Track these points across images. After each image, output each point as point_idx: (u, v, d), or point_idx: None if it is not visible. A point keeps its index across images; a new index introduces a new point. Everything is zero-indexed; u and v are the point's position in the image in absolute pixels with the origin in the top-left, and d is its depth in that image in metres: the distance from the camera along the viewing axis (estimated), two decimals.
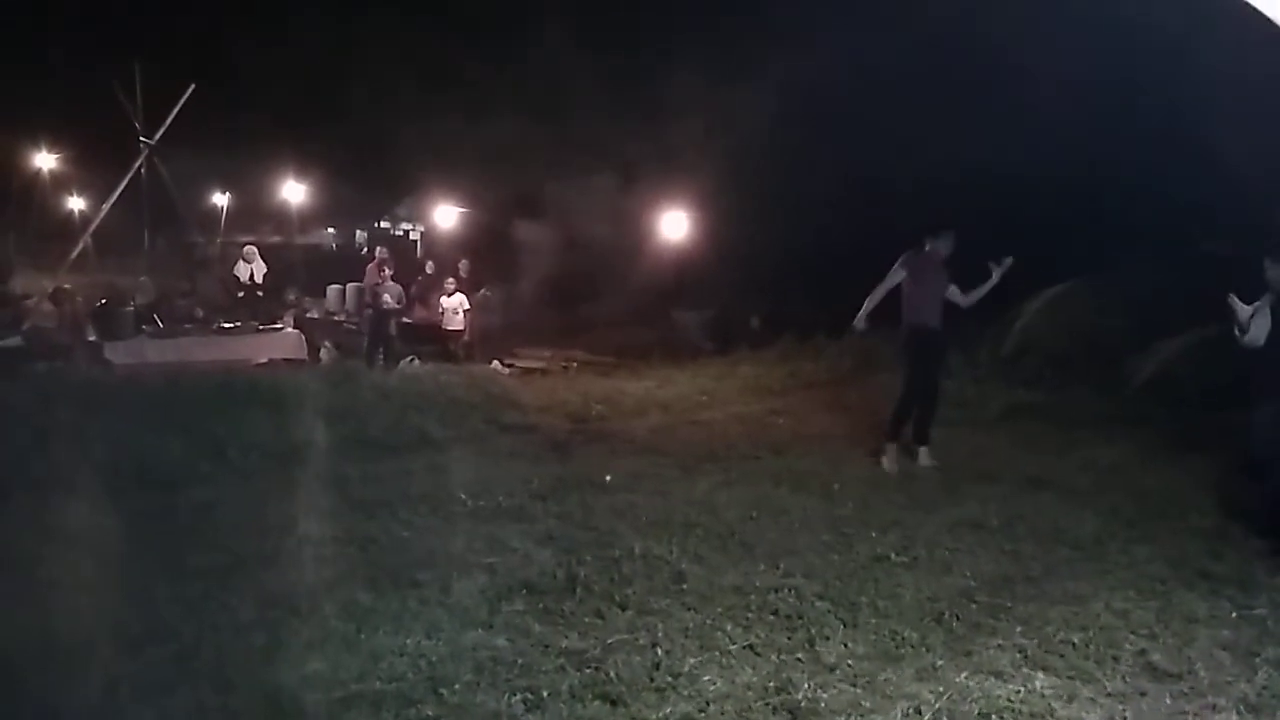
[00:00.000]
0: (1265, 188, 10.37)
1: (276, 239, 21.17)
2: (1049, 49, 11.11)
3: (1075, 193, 12.69)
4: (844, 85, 13.41)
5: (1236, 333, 6.03)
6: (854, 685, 3.87)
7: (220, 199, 23.66)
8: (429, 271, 15.52)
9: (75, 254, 16.61)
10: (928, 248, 7.91)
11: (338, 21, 18.43)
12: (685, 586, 4.93)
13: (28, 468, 6.71)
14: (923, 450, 7.90)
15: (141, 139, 16.71)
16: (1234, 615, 4.59)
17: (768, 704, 3.73)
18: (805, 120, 13.62)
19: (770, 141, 13.79)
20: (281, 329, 14.09)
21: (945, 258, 7.89)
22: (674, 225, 16.76)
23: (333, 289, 17.43)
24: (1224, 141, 10.32)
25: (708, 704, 3.72)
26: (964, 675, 3.94)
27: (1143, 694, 3.83)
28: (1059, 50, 11.09)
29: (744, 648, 4.20)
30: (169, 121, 16.57)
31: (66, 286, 14.57)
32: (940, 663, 4.07)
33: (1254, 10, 3.07)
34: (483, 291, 15.31)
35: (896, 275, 7.83)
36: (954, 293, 7.90)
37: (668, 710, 3.66)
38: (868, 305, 7.93)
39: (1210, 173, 10.49)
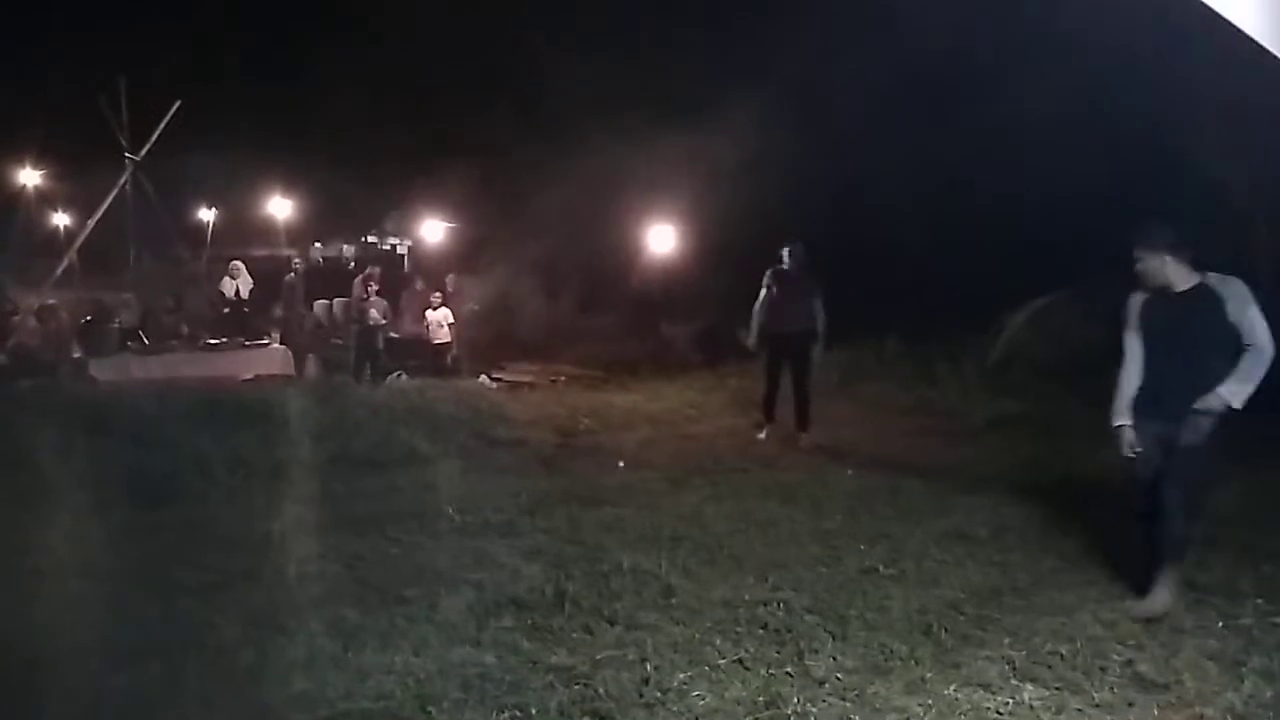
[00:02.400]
0: (1250, 200, 10.50)
1: (264, 253, 21.07)
2: (1037, 64, 11.20)
3: (1061, 205, 12.77)
4: (835, 98, 13.50)
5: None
6: (843, 699, 3.87)
7: (206, 215, 23.58)
8: (418, 288, 15.49)
9: (60, 271, 16.57)
10: (785, 263, 9.00)
11: (323, 36, 18.45)
12: (674, 601, 4.92)
13: (12, 485, 6.67)
14: (804, 436, 9.00)
15: (127, 155, 16.69)
16: (1220, 625, 4.59)
17: (757, 718, 3.72)
18: (794, 133, 13.68)
19: (759, 154, 13.83)
20: (268, 345, 14.05)
21: (803, 269, 8.96)
22: (662, 238, 16.79)
23: (319, 304, 17.40)
24: (1209, 154, 10.42)
25: (697, 719, 3.71)
26: (952, 687, 3.94)
27: (1130, 704, 3.83)
28: (1046, 65, 11.17)
29: (733, 662, 4.20)
30: (154, 138, 16.57)
31: (51, 303, 14.51)
32: (929, 675, 4.07)
33: (1233, 26, 3.11)
34: (470, 306, 15.29)
35: (763, 289, 9.01)
36: (817, 305, 8.90)
37: None
38: (754, 323, 9.10)
39: (1195, 185, 10.57)
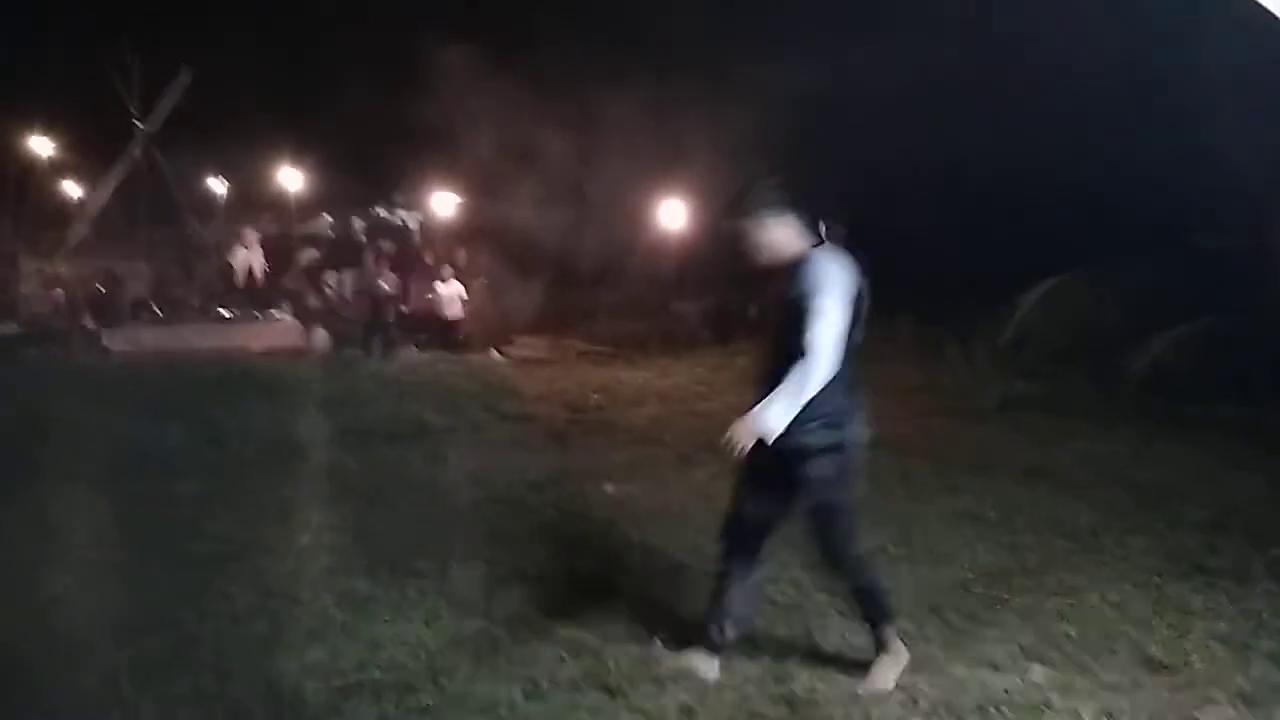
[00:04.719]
0: (1261, 182, 10.41)
1: (276, 227, 21.07)
2: (1049, 43, 11.11)
3: (1072, 185, 12.69)
4: (847, 77, 13.41)
5: None
6: (851, 676, 3.88)
7: (218, 186, 23.57)
8: (429, 261, 15.50)
9: (73, 241, 16.60)
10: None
11: (334, 6, 18.38)
12: (683, 577, 4.94)
13: (23, 454, 6.71)
14: None
15: (138, 126, 16.68)
16: (1229, 608, 4.60)
17: (766, 694, 3.73)
18: (804, 110, 13.60)
19: (769, 131, 13.76)
20: (279, 317, 14.09)
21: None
22: (673, 214, 16.72)
23: (330, 277, 17.38)
24: (1221, 135, 10.33)
25: (706, 694, 3.73)
26: (961, 667, 3.95)
27: (1139, 686, 3.84)
28: (1059, 44, 11.08)
29: (743, 638, 4.21)
30: (166, 108, 16.55)
31: (64, 273, 14.56)
32: (938, 654, 4.07)
33: (1254, 4, 3.07)
34: (481, 280, 15.29)
35: None
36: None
37: (666, 700, 3.67)
38: None
39: (1207, 166, 10.50)
